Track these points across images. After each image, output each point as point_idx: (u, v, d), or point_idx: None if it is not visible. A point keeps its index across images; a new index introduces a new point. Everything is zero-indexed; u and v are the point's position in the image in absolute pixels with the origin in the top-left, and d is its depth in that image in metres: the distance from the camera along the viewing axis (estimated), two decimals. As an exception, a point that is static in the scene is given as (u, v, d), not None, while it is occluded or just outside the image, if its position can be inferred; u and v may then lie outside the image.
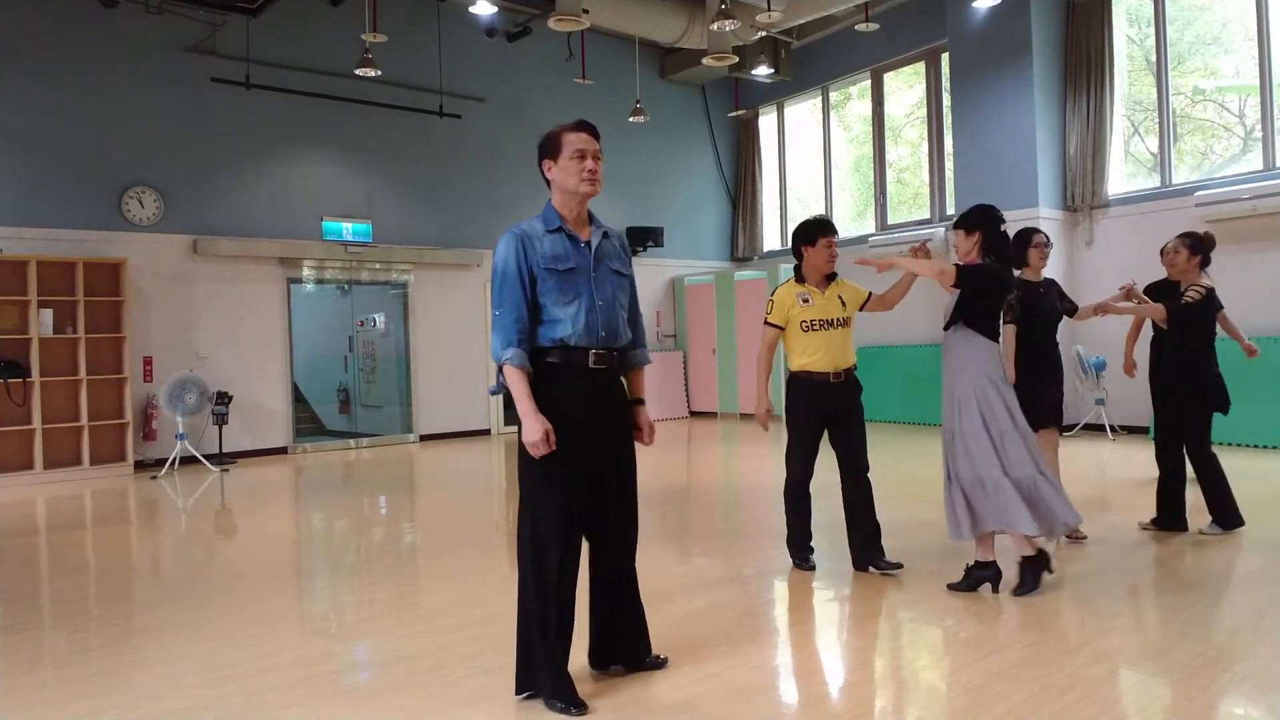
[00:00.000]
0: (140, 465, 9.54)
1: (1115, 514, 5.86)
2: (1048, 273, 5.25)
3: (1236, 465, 7.69)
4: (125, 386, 9.41)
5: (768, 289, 12.63)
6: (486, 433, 12.15)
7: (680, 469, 9.12)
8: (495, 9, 10.66)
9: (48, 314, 9.02)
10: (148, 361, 9.82)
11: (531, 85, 12.39)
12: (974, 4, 10.01)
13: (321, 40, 10.93)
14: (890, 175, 12.98)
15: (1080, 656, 3.35)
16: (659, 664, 3.28)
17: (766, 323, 4.64)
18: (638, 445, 3.22)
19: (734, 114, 14.58)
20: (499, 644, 3.49)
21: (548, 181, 3.08)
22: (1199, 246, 5.16)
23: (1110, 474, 7.76)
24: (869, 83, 13.08)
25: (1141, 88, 10.56)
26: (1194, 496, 5.29)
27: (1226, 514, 5.15)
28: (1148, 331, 5.46)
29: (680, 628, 3.80)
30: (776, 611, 4.20)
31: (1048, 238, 5.16)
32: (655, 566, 4.93)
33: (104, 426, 9.31)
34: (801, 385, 4.55)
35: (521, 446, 2.93)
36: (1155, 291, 5.42)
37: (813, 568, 4.64)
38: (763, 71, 12.76)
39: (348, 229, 11.05)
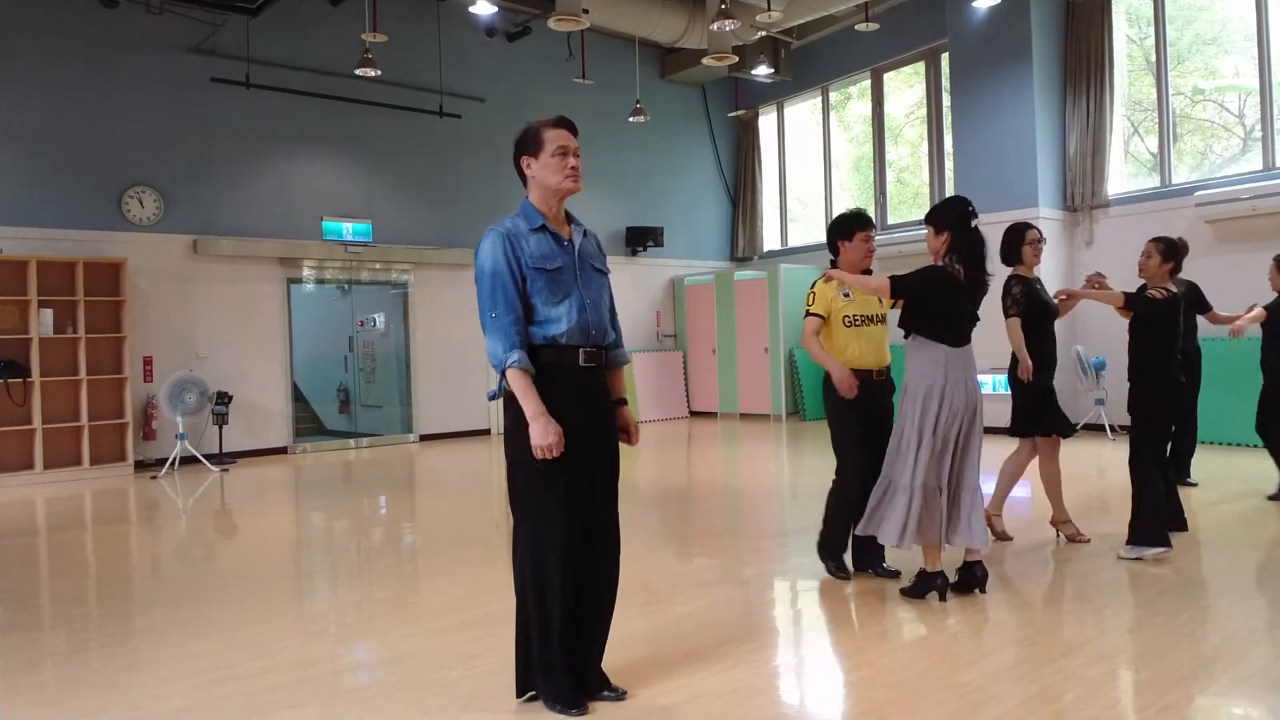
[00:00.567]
0: (140, 465, 9.55)
1: (1114, 514, 5.85)
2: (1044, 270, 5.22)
3: (1237, 465, 7.72)
4: (125, 386, 9.41)
5: (768, 289, 12.63)
6: (486, 433, 12.15)
7: (680, 469, 9.12)
8: (495, 9, 10.66)
9: (48, 314, 9.02)
10: (148, 361, 9.82)
11: (531, 85, 12.39)
12: (974, 4, 10.01)
13: (321, 40, 10.93)
14: (890, 175, 12.98)
15: (1080, 656, 3.35)
16: (617, 695, 3.03)
17: (809, 314, 4.39)
18: (623, 446, 3.17)
19: (734, 114, 14.58)
20: (499, 644, 3.49)
21: (523, 179, 3.03)
22: (1171, 252, 4.95)
23: (1110, 474, 7.75)
24: (869, 83, 13.08)
25: (1141, 88, 10.56)
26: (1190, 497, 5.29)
27: (1141, 532, 4.73)
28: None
29: (680, 628, 3.80)
30: (776, 612, 4.19)
31: (1041, 233, 5.14)
32: (655, 566, 4.94)
33: (104, 426, 9.31)
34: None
35: (511, 448, 2.90)
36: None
37: (848, 577, 4.44)
38: (763, 71, 12.76)
39: (348, 229, 11.05)
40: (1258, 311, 6.37)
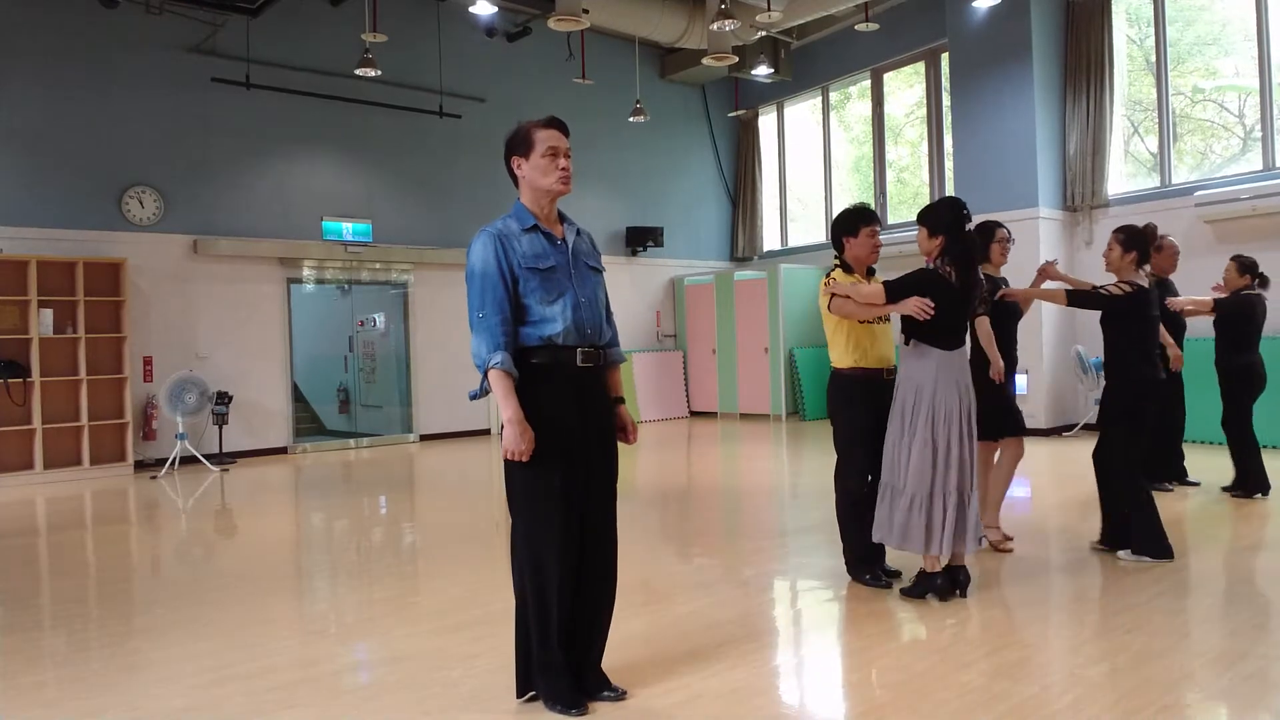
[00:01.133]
0: (140, 465, 9.55)
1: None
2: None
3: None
4: (125, 386, 9.41)
5: (768, 289, 12.62)
6: (486, 433, 12.15)
7: (680, 469, 9.12)
8: (495, 9, 10.66)
9: (48, 314, 9.02)
10: (148, 361, 9.82)
11: (531, 85, 12.38)
12: (974, 4, 10.01)
13: (321, 40, 10.93)
14: (890, 175, 12.98)
15: (1080, 656, 3.35)
16: (617, 695, 3.03)
17: (834, 295, 4.21)
18: (622, 445, 3.15)
19: (734, 114, 14.58)
20: (499, 644, 3.49)
21: (515, 179, 3.02)
22: (1132, 242, 4.66)
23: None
24: (869, 83, 13.08)
25: (1141, 88, 10.56)
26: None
27: (1118, 537, 4.75)
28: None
29: (680, 627, 3.80)
30: (776, 612, 4.20)
31: (1009, 232, 5.10)
32: (655, 566, 4.94)
33: (104, 426, 9.31)
34: (855, 383, 4.29)
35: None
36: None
37: (888, 585, 4.27)
38: (763, 71, 12.76)
39: (347, 229, 11.05)
40: (1202, 300, 6.21)
